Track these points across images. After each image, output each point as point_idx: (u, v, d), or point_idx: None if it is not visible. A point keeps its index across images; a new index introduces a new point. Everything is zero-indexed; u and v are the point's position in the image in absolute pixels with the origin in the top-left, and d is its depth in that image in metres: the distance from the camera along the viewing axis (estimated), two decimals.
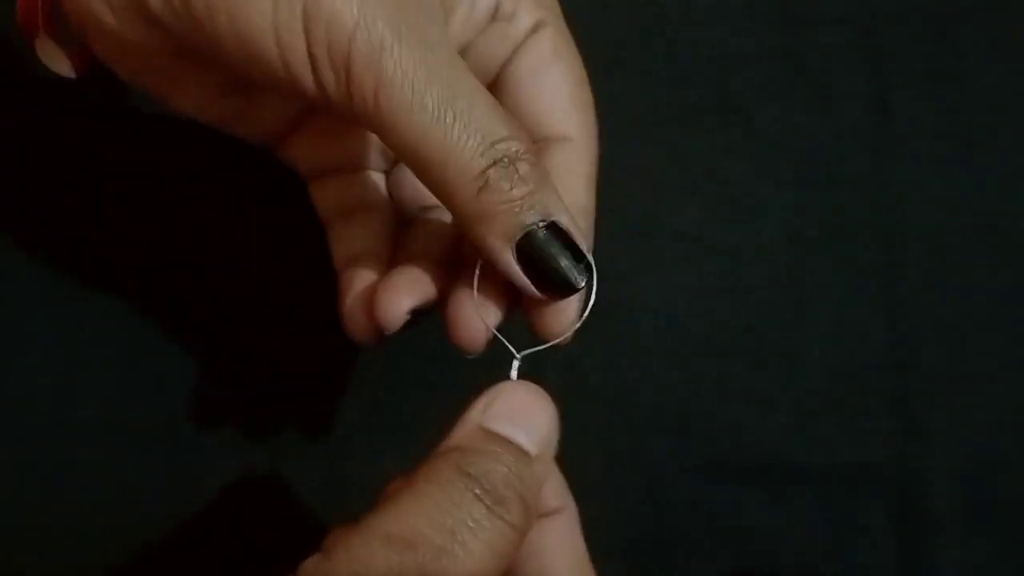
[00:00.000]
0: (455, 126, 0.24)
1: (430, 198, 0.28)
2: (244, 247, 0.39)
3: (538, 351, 0.27)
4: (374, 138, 0.30)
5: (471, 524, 0.22)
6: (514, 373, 0.27)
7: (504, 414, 0.24)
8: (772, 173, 0.41)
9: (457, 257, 0.29)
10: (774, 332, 0.40)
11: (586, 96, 0.29)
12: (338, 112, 0.25)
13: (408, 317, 0.27)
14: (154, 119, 0.39)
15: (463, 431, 0.24)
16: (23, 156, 0.39)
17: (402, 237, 0.30)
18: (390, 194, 0.31)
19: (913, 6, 0.43)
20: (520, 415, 0.25)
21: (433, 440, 0.25)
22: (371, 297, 0.27)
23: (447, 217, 0.30)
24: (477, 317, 0.27)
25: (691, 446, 0.38)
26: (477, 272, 0.27)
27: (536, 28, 0.29)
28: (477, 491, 0.23)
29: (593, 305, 0.27)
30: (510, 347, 0.27)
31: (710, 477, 0.38)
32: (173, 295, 0.38)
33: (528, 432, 0.24)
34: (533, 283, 0.25)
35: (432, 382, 0.38)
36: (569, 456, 0.38)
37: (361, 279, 0.29)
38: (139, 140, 0.39)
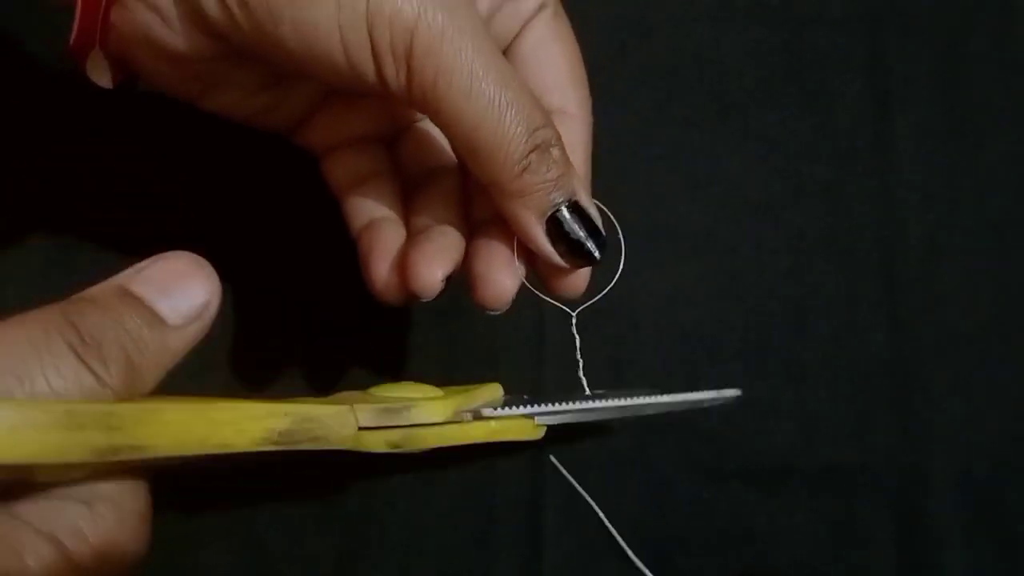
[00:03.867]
0: (507, 113, 0.26)
1: (434, 163, 0.31)
2: (243, 252, 0.39)
3: (591, 304, 0.30)
4: (380, 113, 0.32)
5: (53, 368, 0.22)
6: (574, 329, 0.30)
7: (153, 278, 0.25)
8: (772, 173, 0.41)
9: (466, 218, 0.31)
10: (774, 332, 0.40)
11: (582, 73, 0.31)
12: (395, 100, 0.27)
13: (443, 285, 0.28)
14: (151, 120, 0.39)
15: (101, 286, 0.25)
16: (21, 155, 0.39)
17: (410, 202, 0.31)
18: (395, 162, 0.33)
19: (913, 7, 0.43)
20: (171, 284, 0.25)
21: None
22: (403, 265, 0.29)
23: (450, 182, 0.31)
24: (506, 277, 0.29)
25: (691, 446, 0.38)
26: (516, 242, 0.29)
27: (540, 8, 0.31)
28: (73, 341, 0.23)
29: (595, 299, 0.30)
30: (564, 307, 0.30)
31: (710, 477, 0.38)
32: None
33: (173, 301, 0.25)
34: (559, 254, 0.28)
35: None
36: (569, 456, 0.38)
37: (382, 241, 0.30)
38: (139, 141, 0.39)
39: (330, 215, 0.39)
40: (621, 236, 0.30)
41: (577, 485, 0.38)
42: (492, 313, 0.29)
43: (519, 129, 0.26)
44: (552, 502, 0.38)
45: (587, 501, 0.38)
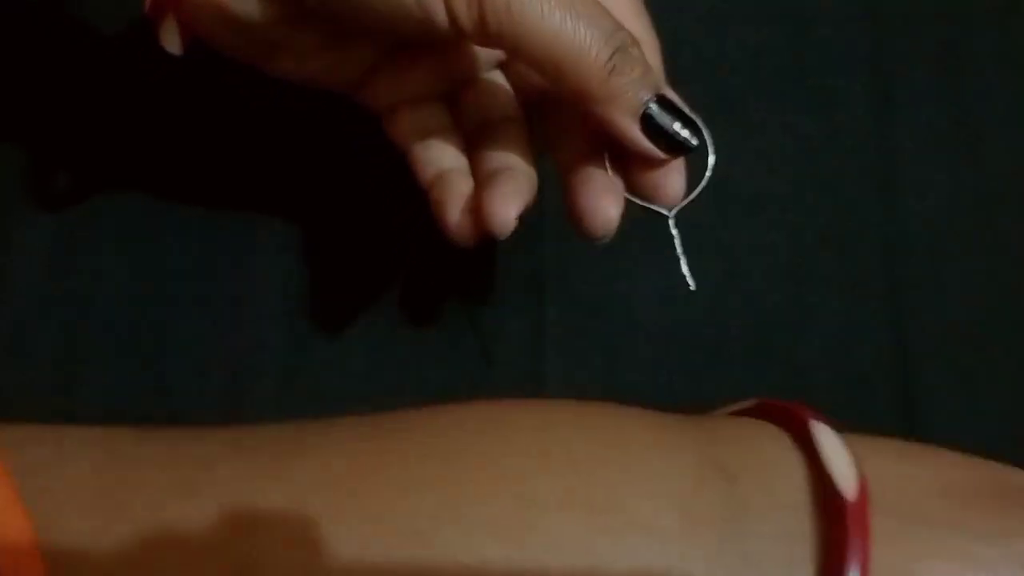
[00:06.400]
0: (580, 25, 0.28)
1: (496, 115, 0.33)
2: (245, 250, 0.39)
3: (686, 203, 0.32)
4: (440, 70, 0.34)
5: None
6: (673, 230, 0.32)
7: None
8: (772, 173, 0.41)
9: (533, 162, 0.32)
10: (774, 332, 0.40)
11: (642, 4, 0.33)
12: (464, 37, 0.28)
13: (516, 223, 0.30)
14: (152, 120, 0.40)
15: None
16: (21, 154, 0.39)
17: (475, 153, 0.33)
18: (457, 118, 0.35)
19: (913, 6, 0.43)
20: None
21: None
22: (476, 207, 0.31)
23: (515, 130, 0.33)
24: (609, 204, 0.30)
25: None
26: (607, 158, 0.31)
27: None
28: None
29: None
30: (660, 209, 0.32)
31: None
32: (172, 293, 0.39)
33: None
34: (659, 148, 0.30)
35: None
36: None
37: (452, 188, 0.32)
38: (140, 140, 0.40)
39: (327, 219, 0.40)
40: (705, 130, 0.31)
41: None
42: (599, 243, 0.31)
43: (595, 36, 0.28)
44: None
45: None
